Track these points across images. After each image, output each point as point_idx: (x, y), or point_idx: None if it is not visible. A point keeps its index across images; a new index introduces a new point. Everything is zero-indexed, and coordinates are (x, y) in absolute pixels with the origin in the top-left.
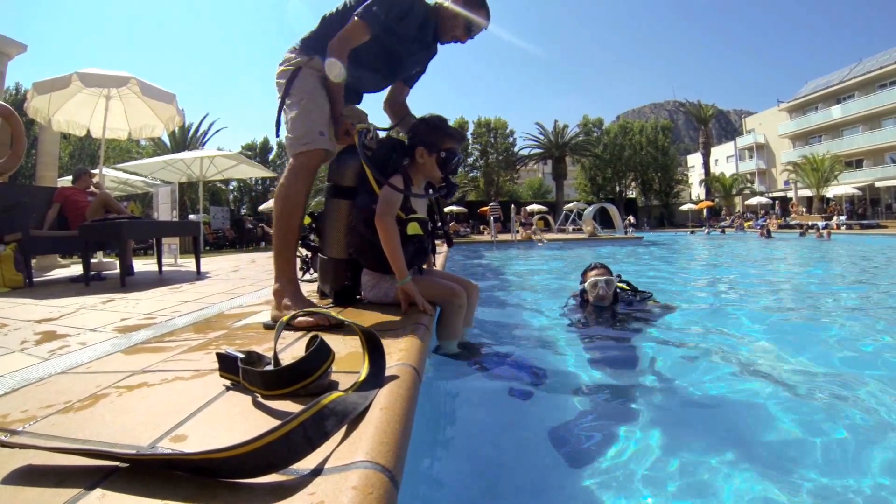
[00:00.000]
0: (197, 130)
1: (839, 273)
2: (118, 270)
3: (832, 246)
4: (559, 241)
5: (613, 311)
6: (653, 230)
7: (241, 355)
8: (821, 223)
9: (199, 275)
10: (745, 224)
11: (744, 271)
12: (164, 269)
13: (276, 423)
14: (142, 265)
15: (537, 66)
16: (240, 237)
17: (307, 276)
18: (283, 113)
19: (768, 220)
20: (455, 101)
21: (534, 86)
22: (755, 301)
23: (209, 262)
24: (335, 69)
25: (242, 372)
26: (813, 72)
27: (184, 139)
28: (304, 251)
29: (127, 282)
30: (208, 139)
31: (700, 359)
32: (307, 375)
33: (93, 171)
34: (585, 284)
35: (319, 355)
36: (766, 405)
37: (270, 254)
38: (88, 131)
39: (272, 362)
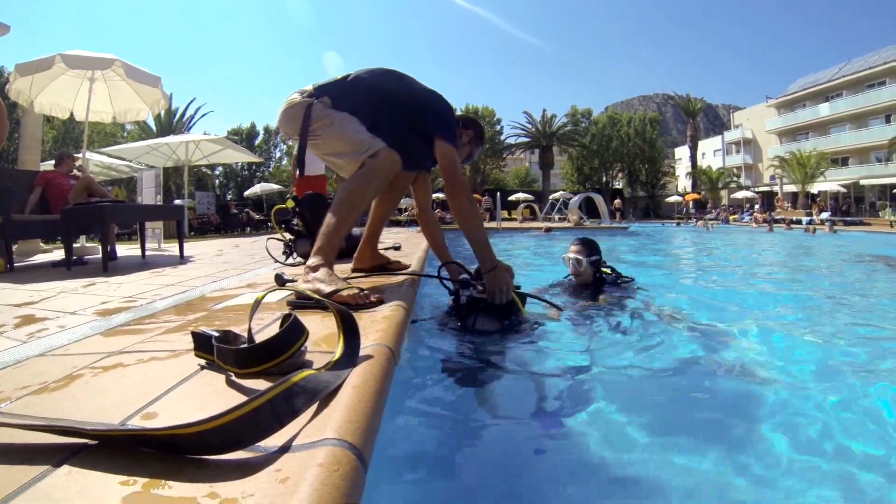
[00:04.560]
0: (183, 115)
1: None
2: (101, 255)
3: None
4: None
5: (593, 292)
6: (639, 221)
7: (216, 334)
8: (809, 217)
9: (182, 259)
10: (731, 217)
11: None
12: (148, 253)
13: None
14: (125, 250)
15: (527, 56)
16: (225, 222)
17: (290, 261)
18: (313, 143)
19: (754, 214)
20: (443, 88)
21: (523, 76)
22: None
23: (193, 247)
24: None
25: (217, 350)
26: (802, 70)
27: (169, 123)
28: (287, 235)
29: (109, 266)
30: (194, 123)
31: (671, 342)
32: (280, 353)
33: (76, 155)
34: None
35: (293, 333)
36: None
37: (254, 239)
38: (72, 114)
39: (247, 341)
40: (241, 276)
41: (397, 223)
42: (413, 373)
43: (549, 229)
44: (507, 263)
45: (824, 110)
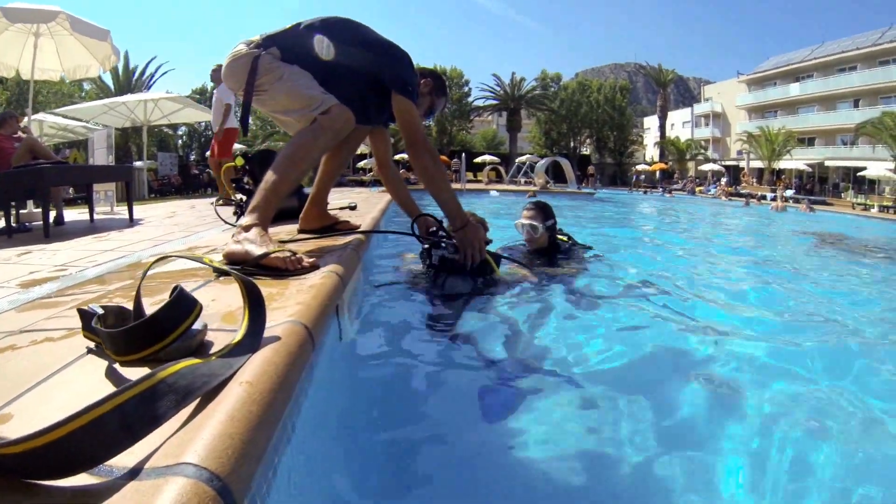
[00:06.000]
0: (143, 73)
1: None
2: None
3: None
4: (509, 192)
5: (548, 260)
6: (606, 187)
7: (100, 311)
8: (774, 195)
9: (131, 222)
10: (697, 189)
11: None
12: (99, 217)
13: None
14: (77, 214)
15: (497, 19)
16: (186, 183)
17: (241, 222)
18: (259, 99)
19: (720, 187)
20: (411, 48)
21: (493, 39)
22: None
23: (149, 209)
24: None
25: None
26: (774, 49)
27: (128, 82)
28: (238, 195)
29: (54, 232)
30: (154, 82)
31: (612, 305)
32: (163, 334)
33: (20, 116)
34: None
35: (177, 309)
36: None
37: (213, 199)
38: (18, 72)
39: (132, 319)
40: (186, 238)
41: (361, 183)
42: (368, 344)
43: (534, 194)
44: (480, 216)
45: (794, 90)
